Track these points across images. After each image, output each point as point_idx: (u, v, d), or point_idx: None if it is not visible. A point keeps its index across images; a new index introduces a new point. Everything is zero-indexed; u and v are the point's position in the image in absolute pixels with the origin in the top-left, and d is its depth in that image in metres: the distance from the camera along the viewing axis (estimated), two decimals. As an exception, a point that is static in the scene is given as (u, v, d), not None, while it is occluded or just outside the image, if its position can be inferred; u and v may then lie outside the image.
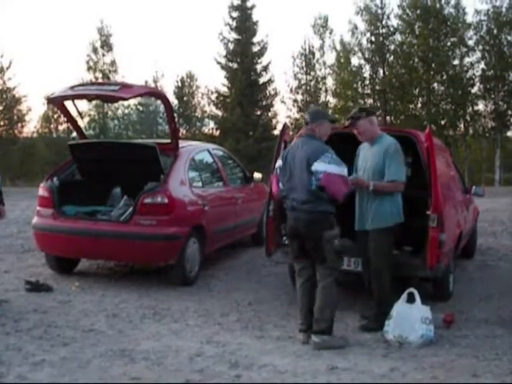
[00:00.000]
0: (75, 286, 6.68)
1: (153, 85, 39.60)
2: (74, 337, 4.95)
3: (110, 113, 39.21)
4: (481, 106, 36.03)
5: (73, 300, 6.12)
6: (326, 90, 40.16)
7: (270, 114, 38.70)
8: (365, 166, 5.44)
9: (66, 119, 7.89)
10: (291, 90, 39.76)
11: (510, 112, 34.96)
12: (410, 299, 5.14)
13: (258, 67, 37.83)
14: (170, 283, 6.78)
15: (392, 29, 36.59)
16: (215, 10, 74.16)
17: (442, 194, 5.60)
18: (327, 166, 4.83)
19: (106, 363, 4.37)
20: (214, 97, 38.43)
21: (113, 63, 38.74)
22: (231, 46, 37.58)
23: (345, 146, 5.72)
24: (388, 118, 37.15)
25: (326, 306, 4.88)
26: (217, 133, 39.13)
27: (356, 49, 37.13)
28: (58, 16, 67.21)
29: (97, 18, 56.07)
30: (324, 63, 39.94)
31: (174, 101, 40.35)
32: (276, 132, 35.15)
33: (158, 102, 24.41)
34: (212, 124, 40.53)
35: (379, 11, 36.40)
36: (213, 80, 66.08)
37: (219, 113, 38.41)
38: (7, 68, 35.77)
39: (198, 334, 5.16)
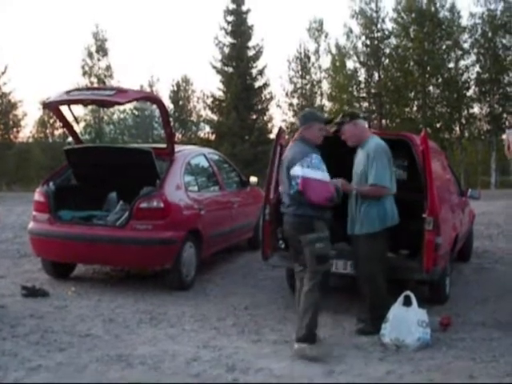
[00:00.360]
0: (71, 291, 6.66)
1: (148, 89, 39.65)
2: (71, 342, 4.94)
3: (105, 117, 39.18)
4: (476, 109, 36.27)
5: (69, 305, 6.10)
6: (322, 94, 40.35)
7: (265, 117, 38.78)
8: (356, 169, 5.43)
9: (61, 124, 7.88)
10: (287, 94, 39.92)
11: (505, 115, 35.09)
12: (407, 302, 5.14)
13: (254, 71, 37.86)
14: (166, 288, 6.77)
15: (387, 32, 36.79)
16: (210, 14, 74.26)
17: (437, 197, 5.59)
18: (304, 170, 4.78)
19: (103, 368, 4.37)
20: (209, 101, 38.46)
21: (108, 68, 38.83)
22: (226, 50, 37.63)
23: (349, 149, 5.69)
24: (383, 121, 37.30)
25: (307, 311, 4.77)
26: (212, 137, 39.11)
27: (351, 52, 37.32)
28: (53, 21, 67.49)
29: (92, 23, 56.20)
30: (319, 67, 40.13)
31: (169, 105, 40.37)
32: (272, 136, 35.19)
33: (154, 106, 24.36)
34: (208, 128, 40.57)
35: (374, 15, 36.58)
36: (208, 84, 66.49)
37: (215, 117, 38.42)
38: (2, 73, 35.82)
39: (195, 338, 5.15)
